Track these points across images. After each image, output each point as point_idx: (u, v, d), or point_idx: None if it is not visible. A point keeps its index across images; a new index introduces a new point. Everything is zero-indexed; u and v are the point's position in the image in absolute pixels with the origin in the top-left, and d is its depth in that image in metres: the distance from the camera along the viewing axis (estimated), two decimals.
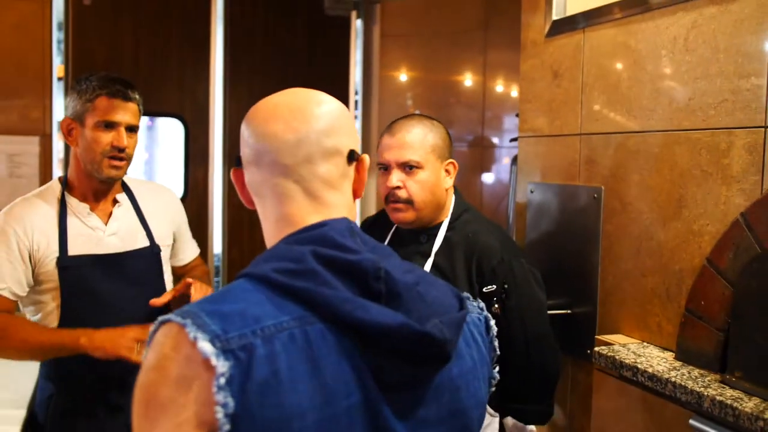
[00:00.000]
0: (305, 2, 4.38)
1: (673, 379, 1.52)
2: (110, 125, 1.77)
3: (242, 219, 4.20)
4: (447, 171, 1.78)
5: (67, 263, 1.74)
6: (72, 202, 1.81)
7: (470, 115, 4.27)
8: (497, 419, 1.80)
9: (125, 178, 1.93)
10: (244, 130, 0.93)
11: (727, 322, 1.52)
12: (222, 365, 0.72)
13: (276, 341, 0.76)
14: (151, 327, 0.80)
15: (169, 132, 4.19)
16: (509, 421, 1.84)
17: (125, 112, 1.78)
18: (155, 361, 0.76)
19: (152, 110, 3.77)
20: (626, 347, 1.77)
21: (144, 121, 2.15)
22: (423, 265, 1.75)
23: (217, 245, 4.32)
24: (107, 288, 1.77)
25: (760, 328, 1.42)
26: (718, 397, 1.40)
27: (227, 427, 0.72)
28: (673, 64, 1.73)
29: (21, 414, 1.87)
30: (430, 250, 1.76)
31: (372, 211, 4.25)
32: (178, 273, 2.06)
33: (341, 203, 0.92)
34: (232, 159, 0.97)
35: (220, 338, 0.74)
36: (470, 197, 3.49)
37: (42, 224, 1.75)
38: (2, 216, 1.76)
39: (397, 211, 1.75)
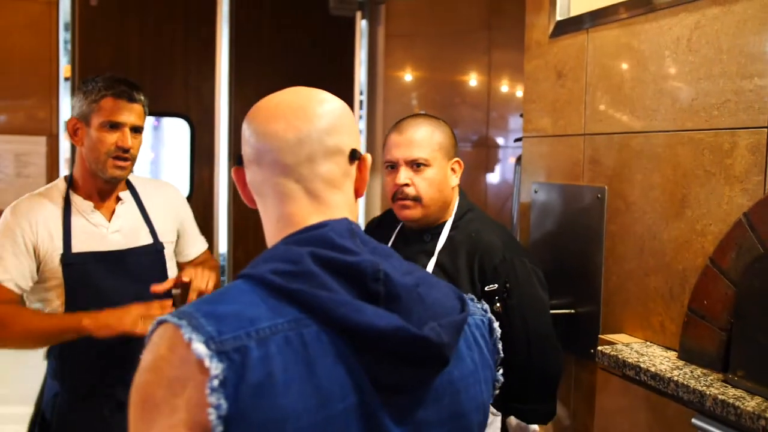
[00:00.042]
0: (310, 3, 4.39)
1: (675, 379, 1.52)
2: (115, 126, 1.79)
3: (248, 219, 4.20)
4: (453, 170, 1.80)
5: (71, 260, 1.76)
6: (76, 200, 1.83)
7: (475, 115, 4.27)
8: (500, 418, 1.80)
9: (129, 176, 1.95)
10: (246, 129, 0.92)
11: (730, 321, 1.52)
12: (215, 367, 0.72)
13: (271, 343, 0.75)
14: (150, 327, 0.79)
15: (175, 132, 4.21)
16: (512, 420, 1.84)
17: (130, 113, 1.80)
18: (151, 361, 0.76)
19: (158, 110, 3.78)
20: (629, 346, 1.78)
21: (150, 120, 2.17)
22: (427, 264, 1.76)
23: (222, 245, 4.32)
24: (111, 285, 1.79)
25: (762, 327, 1.42)
26: (720, 397, 1.41)
27: (220, 428, 0.71)
28: (676, 65, 1.73)
29: (28, 411, 1.89)
30: (434, 249, 1.77)
31: (377, 211, 4.25)
32: (186, 269, 2.07)
33: (342, 203, 0.91)
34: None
35: (214, 340, 0.73)
36: (475, 197, 3.49)
37: (47, 221, 1.77)
38: (8, 211, 1.78)
39: (404, 208, 1.75)
